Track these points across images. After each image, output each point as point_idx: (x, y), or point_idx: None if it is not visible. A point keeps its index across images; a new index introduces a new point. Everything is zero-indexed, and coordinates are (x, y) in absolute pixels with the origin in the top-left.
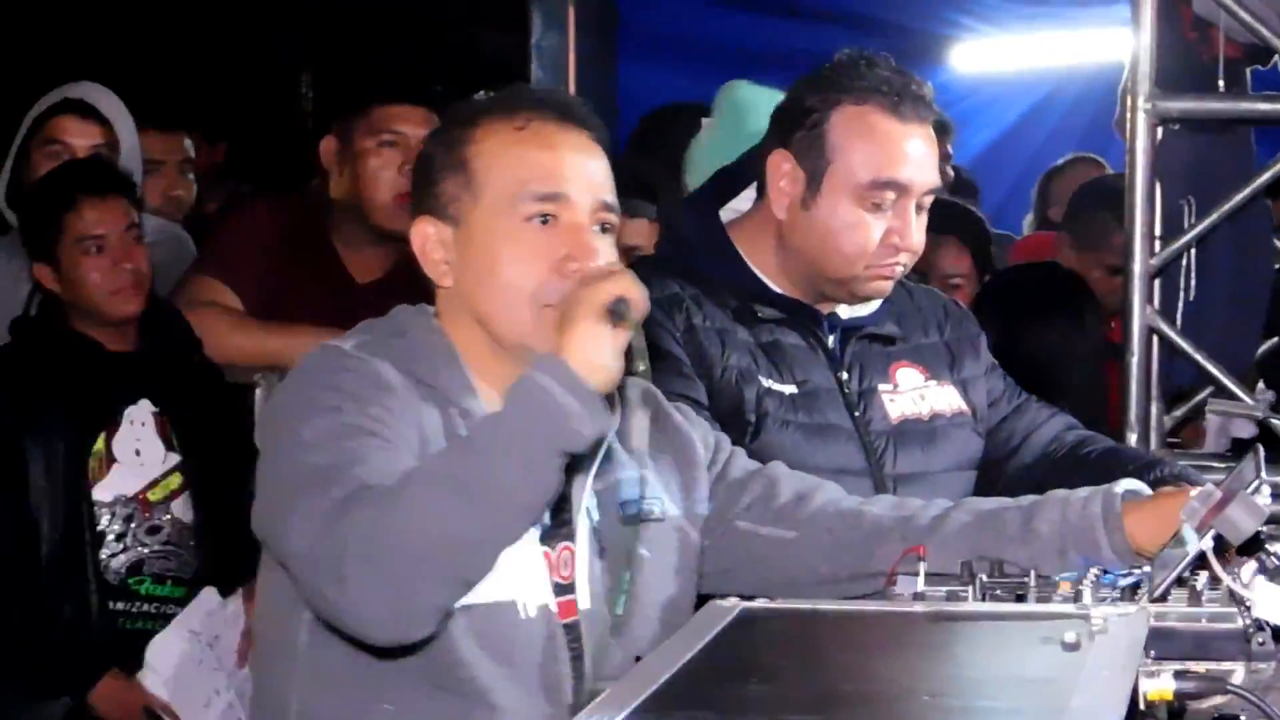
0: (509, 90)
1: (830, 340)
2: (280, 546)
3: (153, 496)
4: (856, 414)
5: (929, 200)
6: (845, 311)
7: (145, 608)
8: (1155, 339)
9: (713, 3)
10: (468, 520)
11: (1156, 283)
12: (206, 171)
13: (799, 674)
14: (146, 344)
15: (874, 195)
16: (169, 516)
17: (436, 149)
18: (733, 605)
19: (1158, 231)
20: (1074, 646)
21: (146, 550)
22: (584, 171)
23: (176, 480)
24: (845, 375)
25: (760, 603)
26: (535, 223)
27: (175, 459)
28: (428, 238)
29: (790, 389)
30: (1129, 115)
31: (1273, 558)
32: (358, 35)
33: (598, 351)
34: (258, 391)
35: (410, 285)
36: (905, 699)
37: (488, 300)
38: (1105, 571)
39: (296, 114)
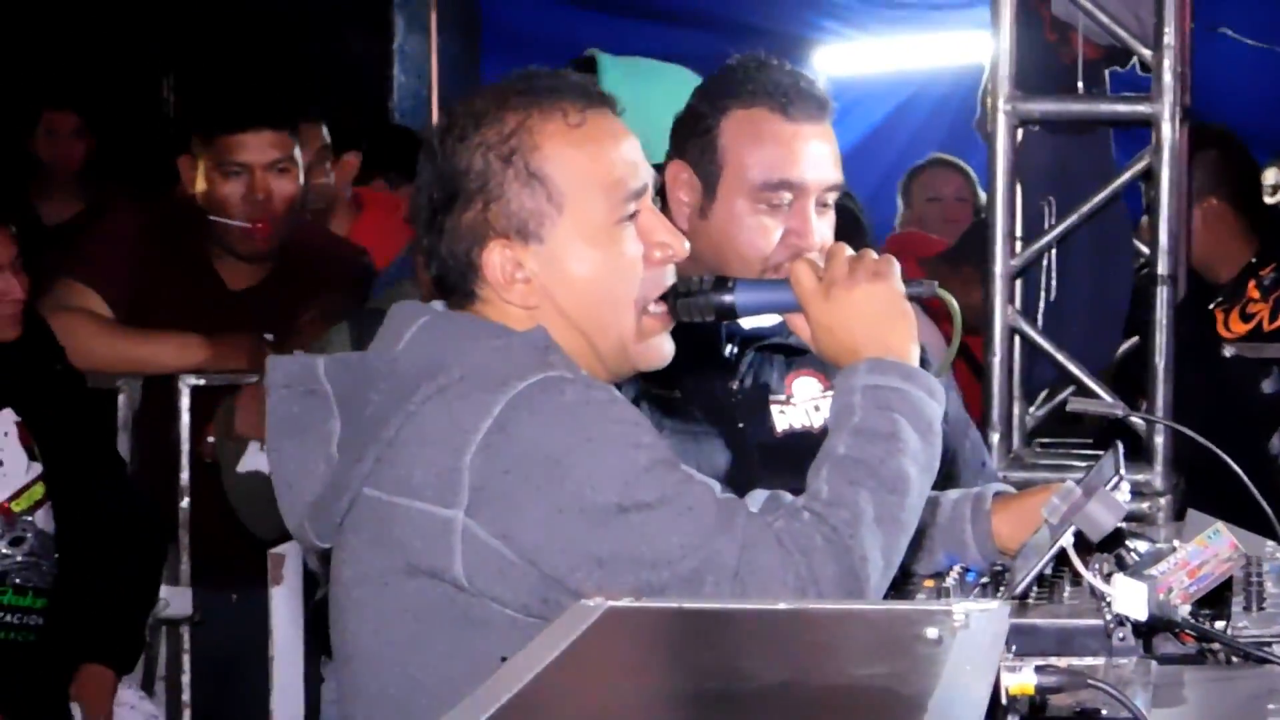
0: (522, 82)
1: (728, 349)
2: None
3: (16, 507)
4: (740, 424)
5: (832, 198)
6: (748, 322)
7: (6, 618)
8: (1016, 339)
9: (575, 5)
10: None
11: (1017, 283)
12: (79, 164)
13: (663, 673)
14: (8, 352)
15: (769, 197)
16: (32, 527)
17: (486, 162)
18: (598, 604)
19: (1018, 232)
20: (936, 642)
21: (10, 561)
22: (640, 155)
23: (40, 490)
24: (736, 385)
25: (626, 601)
26: (625, 222)
27: (38, 468)
28: (504, 262)
29: (674, 394)
30: (990, 117)
31: (1132, 553)
32: (220, 41)
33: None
34: (120, 398)
35: (286, 293)
36: (768, 696)
37: (596, 313)
38: (968, 569)
39: (159, 117)
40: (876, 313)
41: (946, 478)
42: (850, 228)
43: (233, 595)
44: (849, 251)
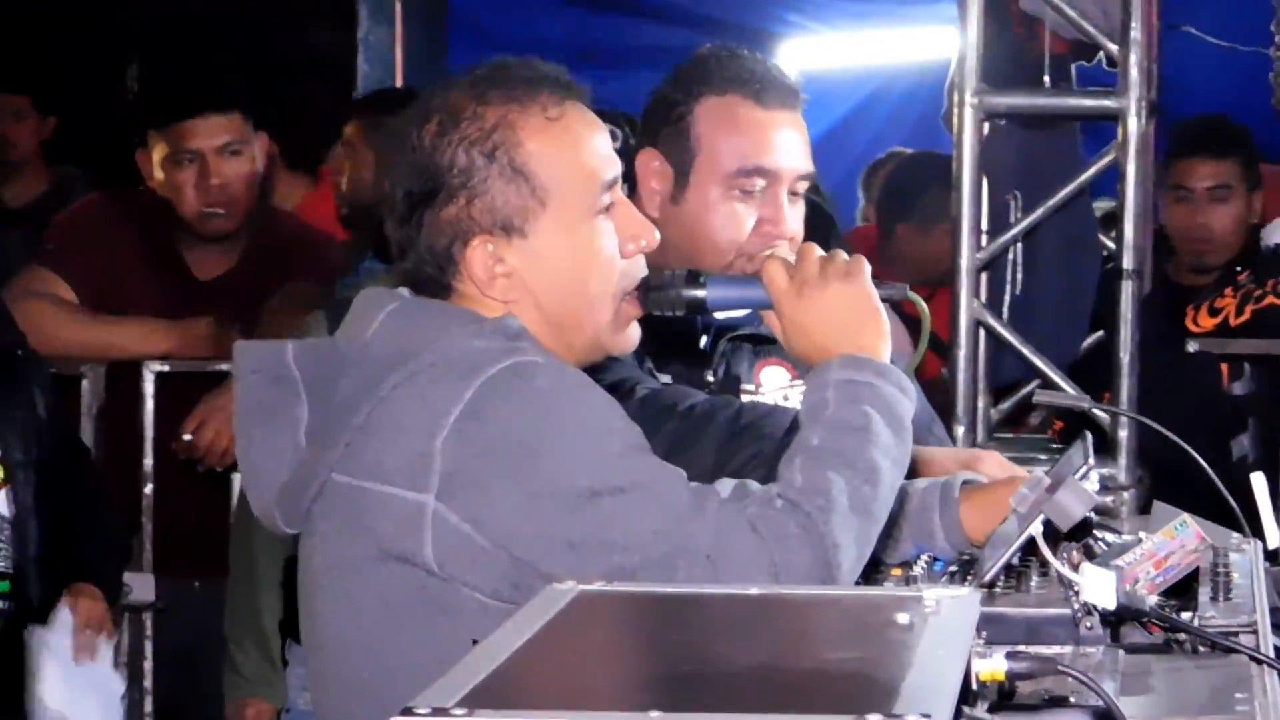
0: (497, 74)
1: (702, 340)
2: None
3: None
4: None
5: (803, 187)
6: (720, 313)
7: None
8: (982, 332)
9: None
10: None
11: (983, 277)
12: (37, 144)
13: (635, 656)
14: None
15: (742, 184)
16: None
17: (470, 158)
18: (570, 588)
19: (984, 226)
20: (908, 628)
21: None
22: (610, 146)
23: (0, 473)
24: (710, 376)
25: (598, 585)
26: (603, 214)
27: None
28: (486, 258)
29: (666, 378)
30: (956, 110)
31: (1100, 543)
32: (184, 29)
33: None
34: (84, 384)
35: (254, 282)
36: (738, 681)
37: (574, 306)
38: (936, 558)
39: (122, 104)
40: (849, 313)
41: (911, 472)
42: (824, 225)
43: (195, 583)
44: (819, 251)
